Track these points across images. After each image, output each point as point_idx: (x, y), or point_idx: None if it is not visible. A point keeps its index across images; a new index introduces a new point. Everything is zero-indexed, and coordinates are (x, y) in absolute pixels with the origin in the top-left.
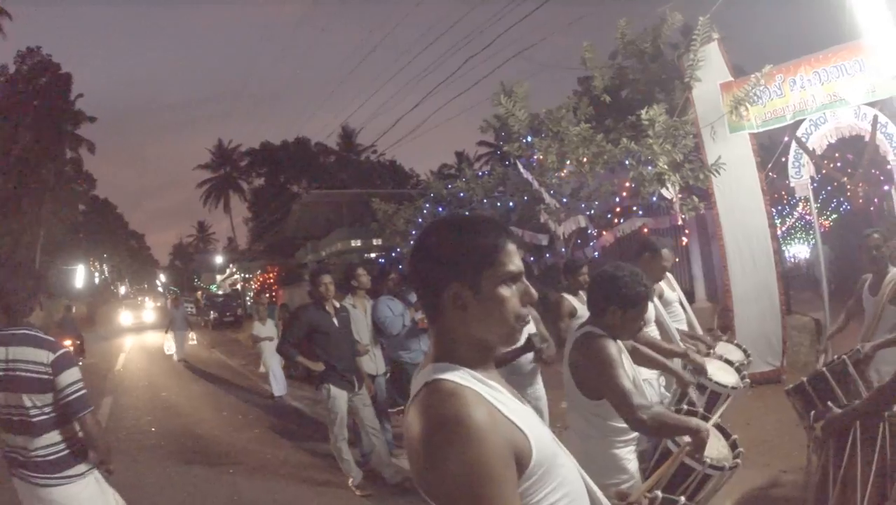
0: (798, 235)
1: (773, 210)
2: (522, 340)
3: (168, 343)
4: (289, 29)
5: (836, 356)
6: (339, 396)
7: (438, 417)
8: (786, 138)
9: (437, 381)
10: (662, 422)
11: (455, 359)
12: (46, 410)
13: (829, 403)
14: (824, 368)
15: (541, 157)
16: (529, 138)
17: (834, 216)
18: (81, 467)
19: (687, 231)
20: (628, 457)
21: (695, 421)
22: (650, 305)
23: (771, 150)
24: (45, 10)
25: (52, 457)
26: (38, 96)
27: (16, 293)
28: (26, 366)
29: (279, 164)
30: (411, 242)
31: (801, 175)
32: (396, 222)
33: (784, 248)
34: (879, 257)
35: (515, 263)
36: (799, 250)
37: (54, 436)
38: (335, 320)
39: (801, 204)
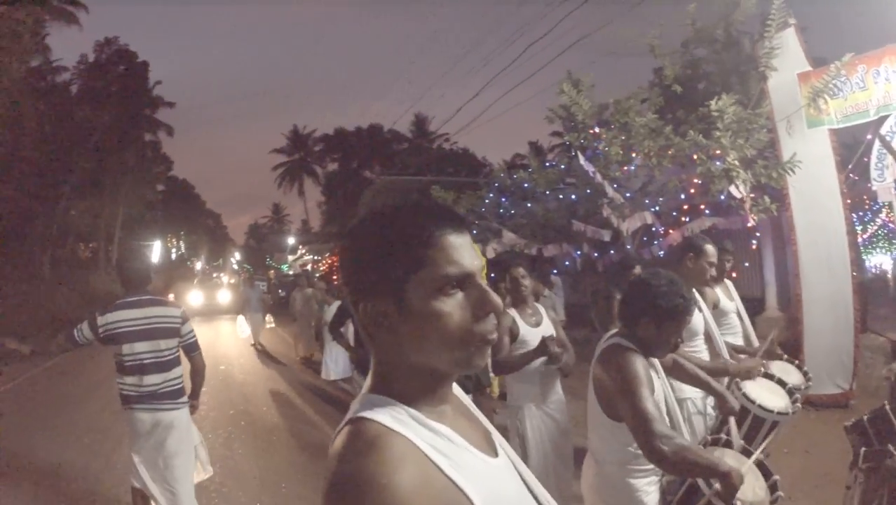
0: (880, 244)
1: (854, 215)
2: (535, 343)
3: (241, 325)
4: (359, 18)
5: None
6: (358, 381)
7: (349, 474)
8: (868, 136)
9: (361, 420)
10: (685, 458)
11: (392, 391)
12: (174, 350)
13: (891, 447)
14: (886, 405)
15: (605, 148)
16: (596, 129)
17: None
18: (185, 398)
19: (759, 234)
20: (647, 489)
21: (726, 463)
22: (698, 316)
23: (855, 149)
24: (127, 4)
25: (176, 387)
26: (116, 83)
27: (134, 271)
28: (160, 320)
29: (352, 149)
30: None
31: (884, 178)
32: (457, 211)
33: (864, 257)
34: None
35: (457, 261)
36: (881, 261)
37: (177, 371)
38: None
39: (884, 210)
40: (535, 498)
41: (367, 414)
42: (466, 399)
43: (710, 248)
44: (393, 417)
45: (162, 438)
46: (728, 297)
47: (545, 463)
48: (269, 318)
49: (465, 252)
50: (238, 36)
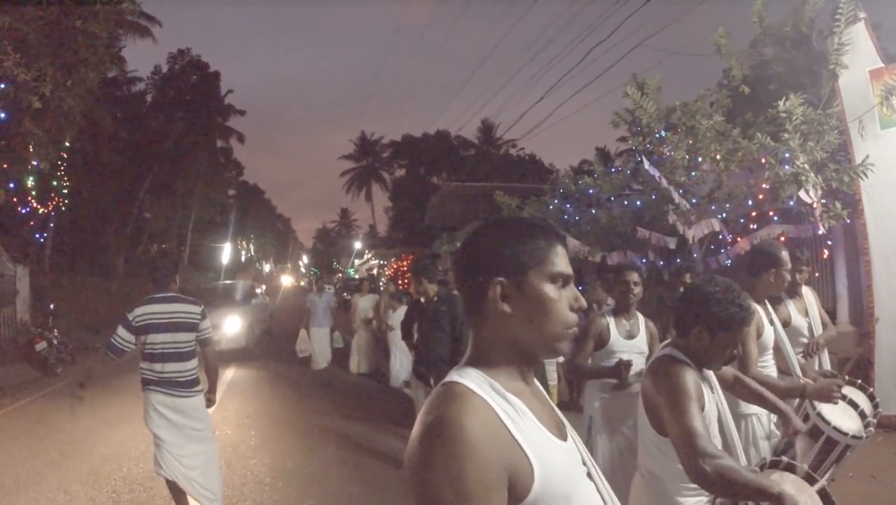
0: None
1: None
2: (623, 353)
3: (302, 343)
4: (422, 27)
5: None
6: (415, 385)
7: (435, 419)
8: None
9: (452, 382)
10: (730, 479)
11: (484, 364)
12: (192, 343)
13: None
14: None
15: (671, 152)
16: (663, 133)
17: None
18: (201, 386)
19: (830, 242)
20: None
21: (779, 488)
22: (769, 331)
23: None
24: (199, 18)
25: (192, 376)
26: (189, 92)
27: (162, 271)
28: (182, 315)
29: (420, 155)
30: None
31: None
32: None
33: None
34: None
35: (564, 264)
36: None
37: (194, 362)
38: (429, 313)
39: None
40: (597, 487)
41: (456, 378)
42: (543, 392)
43: (786, 255)
44: (476, 383)
45: (180, 423)
46: (802, 312)
47: (611, 474)
48: (336, 334)
49: (566, 260)
50: (309, 44)
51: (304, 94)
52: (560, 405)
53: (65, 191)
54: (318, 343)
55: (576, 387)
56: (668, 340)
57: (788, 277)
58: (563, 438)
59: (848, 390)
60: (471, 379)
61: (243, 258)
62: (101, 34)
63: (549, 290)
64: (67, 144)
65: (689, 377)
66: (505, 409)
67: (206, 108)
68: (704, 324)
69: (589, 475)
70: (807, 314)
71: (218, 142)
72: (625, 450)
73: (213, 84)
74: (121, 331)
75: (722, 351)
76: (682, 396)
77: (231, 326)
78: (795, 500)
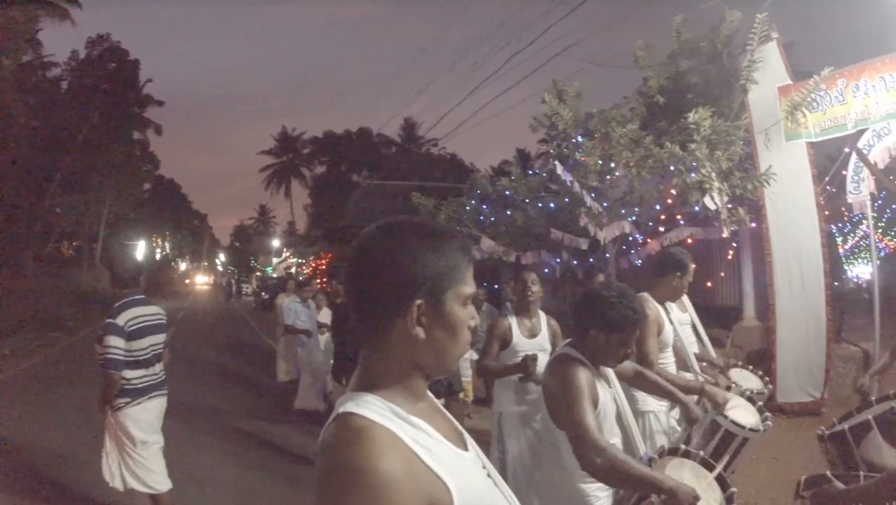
0: (863, 255)
1: (834, 227)
2: (526, 352)
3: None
4: (352, 25)
5: (875, 399)
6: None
7: (341, 463)
8: (846, 149)
9: (349, 415)
10: (623, 471)
11: (380, 388)
12: (162, 344)
13: (828, 474)
14: (870, 417)
15: (584, 157)
16: (580, 138)
17: None
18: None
19: (736, 244)
20: (597, 494)
21: (672, 482)
22: (669, 329)
23: (840, 162)
24: (124, 1)
25: (164, 377)
26: (106, 80)
27: (128, 271)
28: (159, 316)
29: (341, 153)
30: None
31: (860, 191)
32: (437, 218)
33: (847, 267)
34: None
35: (473, 285)
36: (863, 271)
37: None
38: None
39: (864, 221)
40: (502, 492)
41: (353, 409)
42: (436, 401)
43: (691, 265)
44: (376, 412)
45: (161, 419)
46: (682, 309)
47: (522, 468)
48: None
49: (472, 278)
50: (231, 37)
51: (230, 88)
52: (476, 402)
53: None
54: (309, 375)
55: (491, 383)
56: (569, 340)
57: (687, 285)
58: (466, 447)
59: (737, 374)
60: (370, 408)
61: (158, 256)
62: (20, 19)
63: (462, 313)
64: None
65: (583, 375)
66: (413, 436)
67: (123, 98)
68: (599, 326)
69: (490, 477)
70: (686, 311)
71: (134, 133)
72: (535, 444)
73: (132, 72)
74: (114, 341)
75: (616, 350)
76: (574, 392)
77: None
78: (690, 491)
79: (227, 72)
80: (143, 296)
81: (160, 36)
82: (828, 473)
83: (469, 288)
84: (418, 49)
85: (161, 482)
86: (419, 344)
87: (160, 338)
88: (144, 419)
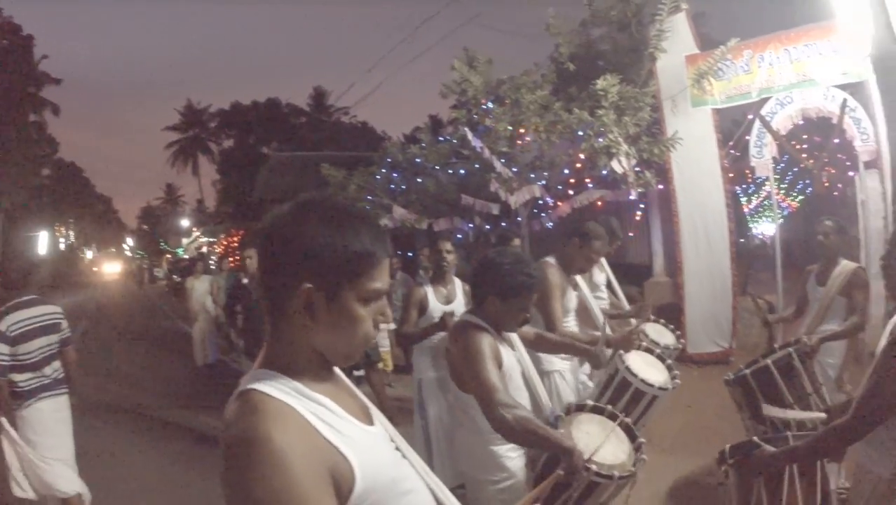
0: (767, 213)
1: (739, 188)
2: (437, 318)
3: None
4: None
5: (778, 346)
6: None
7: (239, 436)
8: (750, 116)
9: (249, 391)
10: (529, 429)
11: (282, 366)
12: (57, 344)
13: (756, 439)
14: (769, 362)
15: (494, 123)
16: (490, 104)
17: (801, 198)
18: (66, 383)
19: (643, 205)
20: (509, 455)
21: (570, 441)
22: (572, 295)
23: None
24: None
25: (61, 376)
26: None
27: (19, 272)
28: (50, 317)
29: (249, 125)
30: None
31: (762, 155)
32: (348, 189)
33: (752, 225)
34: (828, 245)
35: (384, 280)
36: (768, 228)
37: (59, 361)
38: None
39: (767, 183)
40: (411, 464)
41: (254, 385)
42: (343, 375)
43: (599, 246)
44: (276, 388)
45: (61, 419)
46: (598, 269)
47: (444, 432)
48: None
49: (386, 272)
50: (133, 9)
51: (133, 63)
52: (396, 369)
53: None
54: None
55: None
56: (469, 308)
57: (592, 258)
58: (371, 422)
59: (652, 329)
60: (269, 384)
61: (63, 246)
62: None
63: (361, 309)
64: None
65: (485, 339)
66: (315, 411)
67: (16, 76)
68: (496, 292)
69: (398, 450)
70: (602, 271)
71: (30, 115)
72: (455, 407)
73: (26, 48)
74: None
75: (515, 315)
76: (478, 355)
77: None
78: (583, 455)
79: (129, 47)
80: (34, 296)
81: (56, 9)
82: (755, 438)
83: (377, 284)
84: (330, 16)
85: (67, 485)
86: (310, 330)
87: (53, 339)
88: (37, 420)
